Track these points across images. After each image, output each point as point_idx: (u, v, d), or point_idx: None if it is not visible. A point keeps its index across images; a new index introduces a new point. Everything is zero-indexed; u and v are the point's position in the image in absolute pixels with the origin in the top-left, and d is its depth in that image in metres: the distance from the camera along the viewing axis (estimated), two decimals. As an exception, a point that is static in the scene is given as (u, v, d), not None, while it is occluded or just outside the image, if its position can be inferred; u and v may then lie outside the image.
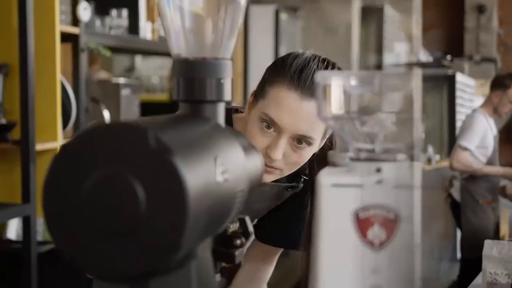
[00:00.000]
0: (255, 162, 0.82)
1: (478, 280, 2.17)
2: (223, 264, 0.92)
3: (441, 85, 6.93)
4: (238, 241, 0.85)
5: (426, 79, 5.62)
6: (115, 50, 3.27)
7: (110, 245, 0.60)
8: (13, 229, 2.66)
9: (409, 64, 5.27)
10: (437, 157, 6.06)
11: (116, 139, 0.60)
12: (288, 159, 1.26)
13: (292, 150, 1.25)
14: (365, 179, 0.66)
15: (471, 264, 2.99)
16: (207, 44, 0.79)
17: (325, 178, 0.67)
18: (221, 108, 0.79)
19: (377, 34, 7.24)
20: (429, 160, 5.80)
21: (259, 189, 1.39)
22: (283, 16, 4.95)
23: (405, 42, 5.26)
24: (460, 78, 7.10)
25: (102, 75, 4.30)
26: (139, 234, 0.59)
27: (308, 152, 1.27)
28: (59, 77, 2.46)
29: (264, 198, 1.41)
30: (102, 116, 2.88)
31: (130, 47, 3.16)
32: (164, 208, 0.58)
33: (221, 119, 0.79)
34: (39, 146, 2.38)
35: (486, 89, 8.62)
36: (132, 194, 0.58)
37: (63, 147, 0.61)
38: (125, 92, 3.01)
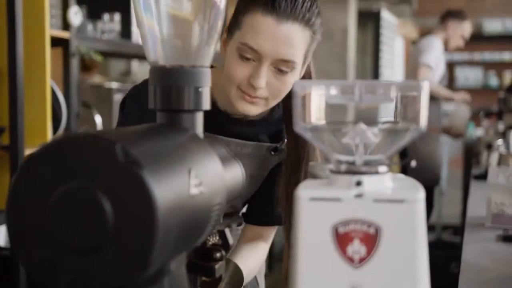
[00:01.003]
0: (234, 173, 0.80)
1: (480, 211, 1.96)
2: (203, 278, 0.90)
3: (366, 21, 6.91)
4: (218, 254, 0.82)
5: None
6: (107, 54, 3.24)
7: (77, 261, 0.57)
8: (2, 235, 2.64)
9: None
10: None
11: (84, 152, 0.57)
12: (271, 87, 1.25)
13: (275, 78, 1.25)
14: (344, 193, 0.63)
15: None
16: (184, 51, 0.77)
17: (304, 191, 0.64)
18: (199, 117, 0.77)
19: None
20: None
21: (242, 153, 1.38)
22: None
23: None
24: (385, 15, 7.05)
25: (97, 79, 4.28)
26: (107, 250, 0.56)
27: (290, 79, 1.26)
28: (49, 81, 2.43)
29: (248, 165, 1.39)
30: (93, 121, 2.85)
31: (122, 51, 3.13)
32: (132, 223, 0.56)
33: (199, 128, 0.76)
34: (28, 152, 2.35)
35: (408, 30, 8.61)
36: (99, 209, 0.56)
37: (29, 157, 0.59)
38: (117, 97, 2.99)
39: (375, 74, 7.24)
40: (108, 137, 0.57)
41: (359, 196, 0.63)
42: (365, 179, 0.64)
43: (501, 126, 3.90)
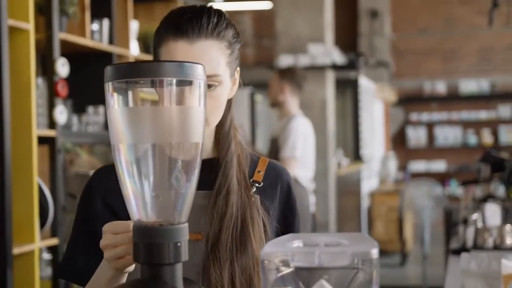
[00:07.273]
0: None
1: None
2: None
3: (345, 89, 7.17)
4: None
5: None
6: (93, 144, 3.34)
7: None
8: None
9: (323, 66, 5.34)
10: (346, 160, 6.36)
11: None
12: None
13: None
14: None
15: None
16: (164, 211, 0.86)
17: None
18: (178, 268, 0.85)
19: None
20: (339, 165, 5.90)
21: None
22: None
23: (319, 44, 5.31)
24: (362, 81, 7.34)
25: (85, 158, 4.34)
26: None
27: (220, 93, 1.26)
28: (36, 180, 2.51)
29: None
30: (79, 212, 2.91)
31: (107, 142, 3.23)
32: None
33: (178, 278, 0.85)
34: (16, 250, 2.40)
35: (385, 93, 8.92)
36: None
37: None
38: (102, 184, 3.05)
39: (356, 140, 7.41)
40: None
41: None
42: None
43: (478, 193, 3.99)
